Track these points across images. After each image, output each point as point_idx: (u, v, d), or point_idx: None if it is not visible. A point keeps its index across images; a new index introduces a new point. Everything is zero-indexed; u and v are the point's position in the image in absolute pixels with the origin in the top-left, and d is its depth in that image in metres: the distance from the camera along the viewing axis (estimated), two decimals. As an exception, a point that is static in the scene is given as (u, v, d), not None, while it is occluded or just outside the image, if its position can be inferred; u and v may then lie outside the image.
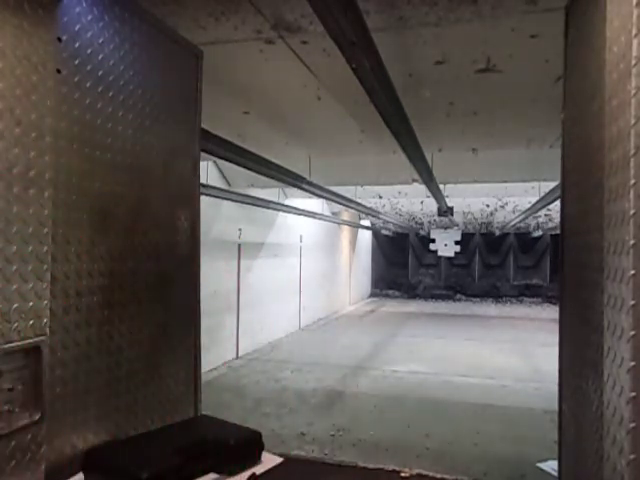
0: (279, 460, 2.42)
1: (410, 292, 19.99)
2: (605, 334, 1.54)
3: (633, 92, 1.37)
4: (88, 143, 2.12)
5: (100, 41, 2.16)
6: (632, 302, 1.35)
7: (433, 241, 16.47)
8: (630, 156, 1.36)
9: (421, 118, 4.41)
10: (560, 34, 2.37)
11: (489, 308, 17.27)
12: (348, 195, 8.95)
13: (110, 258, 2.24)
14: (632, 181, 1.36)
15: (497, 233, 17.68)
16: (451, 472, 2.66)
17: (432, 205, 9.91)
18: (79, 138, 2.07)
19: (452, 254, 16.69)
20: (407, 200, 11.61)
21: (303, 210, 10.38)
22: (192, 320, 2.80)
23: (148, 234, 2.47)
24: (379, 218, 12.38)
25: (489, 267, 19.91)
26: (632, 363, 1.34)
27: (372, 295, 19.72)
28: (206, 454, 2.24)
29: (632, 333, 1.34)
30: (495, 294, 19.39)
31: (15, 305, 1.68)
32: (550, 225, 14.64)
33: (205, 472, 2.18)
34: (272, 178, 5.91)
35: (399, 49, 3.21)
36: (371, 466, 2.47)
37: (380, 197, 10.91)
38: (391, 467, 2.46)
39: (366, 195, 10.27)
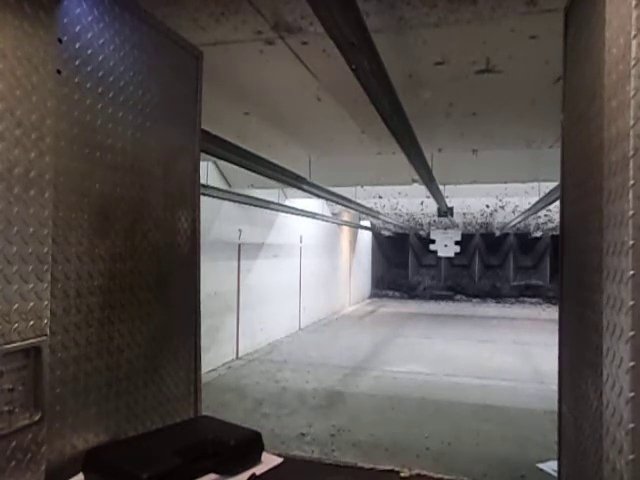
0: (279, 460, 2.42)
1: (410, 292, 19.99)
2: (604, 334, 1.54)
3: (632, 93, 1.37)
4: (88, 144, 2.12)
5: (100, 42, 2.16)
6: (631, 302, 1.35)
7: (433, 242, 16.48)
8: (629, 157, 1.37)
9: (421, 119, 4.41)
10: (560, 35, 2.38)
11: (489, 308, 17.28)
12: (348, 195, 8.95)
13: (110, 259, 2.24)
14: (631, 182, 1.36)
15: (497, 234, 17.67)
16: (451, 472, 2.66)
17: (432, 205, 9.92)
18: (79, 139, 2.07)
19: (452, 254, 16.70)
20: (407, 200, 11.62)
21: (303, 211, 10.38)
22: (192, 320, 2.80)
23: (148, 235, 2.47)
24: (379, 219, 12.39)
25: (489, 267, 19.90)
26: (631, 363, 1.34)
27: (372, 295, 19.72)
28: (206, 454, 2.24)
29: (631, 333, 1.34)
30: (495, 294, 19.38)
31: (15, 306, 1.68)
32: (550, 226, 14.65)
33: (205, 472, 2.18)
34: (272, 178, 5.91)
35: (399, 50, 3.21)
36: (370, 466, 2.47)
37: (380, 197, 10.92)
38: (390, 467, 2.46)
39: (366, 195, 10.27)
